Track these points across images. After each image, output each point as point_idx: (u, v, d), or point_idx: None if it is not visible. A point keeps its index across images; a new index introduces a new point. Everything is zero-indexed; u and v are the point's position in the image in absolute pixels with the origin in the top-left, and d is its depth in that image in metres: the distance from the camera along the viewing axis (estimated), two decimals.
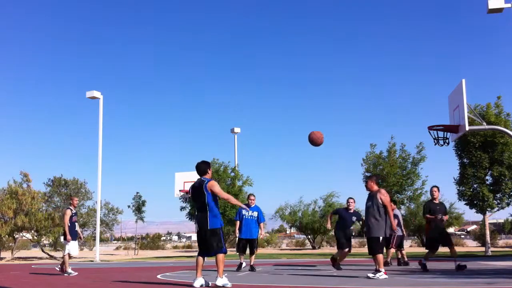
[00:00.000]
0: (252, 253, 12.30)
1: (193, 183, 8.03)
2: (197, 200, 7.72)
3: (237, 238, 12.55)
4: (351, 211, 11.95)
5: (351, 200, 12.03)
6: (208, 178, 7.84)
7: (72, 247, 12.52)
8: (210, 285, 7.61)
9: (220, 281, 7.50)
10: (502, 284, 7.67)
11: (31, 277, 12.20)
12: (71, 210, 12.49)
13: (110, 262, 23.69)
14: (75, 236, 12.59)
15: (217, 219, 7.62)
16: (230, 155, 65.90)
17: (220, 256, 7.56)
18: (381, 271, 8.91)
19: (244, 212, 12.16)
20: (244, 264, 12.43)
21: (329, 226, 12.33)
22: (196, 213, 7.77)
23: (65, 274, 12.21)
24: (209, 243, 7.56)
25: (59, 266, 12.91)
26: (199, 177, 7.90)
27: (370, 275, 9.01)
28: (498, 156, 21.73)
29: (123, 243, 63.79)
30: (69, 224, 12.36)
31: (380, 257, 9.04)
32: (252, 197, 12.40)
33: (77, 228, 12.68)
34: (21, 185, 28.19)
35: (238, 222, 12.22)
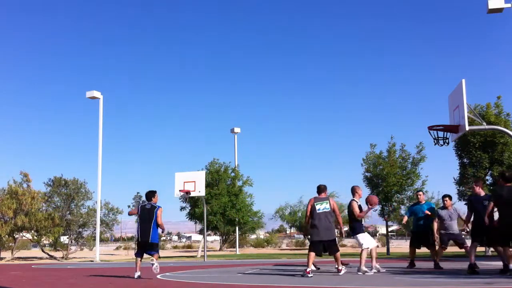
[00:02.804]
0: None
1: (145, 204, 10.73)
2: (147, 218, 10.46)
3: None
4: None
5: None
6: (156, 203, 10.71)
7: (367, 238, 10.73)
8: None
9: (155, 263, 10.27)
10: (502, 284, 7.67)
11: (31, 277, 12.20)
12: (356, 202, 10.85)
13: (110, 262, 23.70)
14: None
15: (156, 234, 10.52)
16: (230, 155, 65.93)
17: (156, 255, 10.48)
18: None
19: None
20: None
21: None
22: (141, 225, 10.48)
23: (359, 273, 10.28)
24: (148, 249, 10.54)
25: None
26: (147, 201, 10.78)
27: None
28: (498, 156, 21.74)
29: (123, 243, 63.82)
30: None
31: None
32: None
33: (364, 223, 11.16)
34: (21, 185, 28.18)
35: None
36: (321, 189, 10.28)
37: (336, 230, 10.47)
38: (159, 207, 10.58)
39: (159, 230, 10.64)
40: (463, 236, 12.30)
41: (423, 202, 12.27)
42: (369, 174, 26.49)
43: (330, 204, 10.05)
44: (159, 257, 10.69)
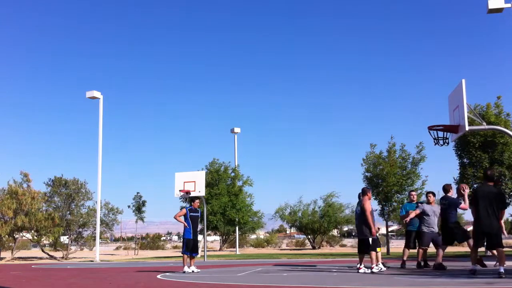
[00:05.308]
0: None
1: None
2: None
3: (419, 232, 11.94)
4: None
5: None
6: (193, 206, 12.31)
7: None
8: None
9: (187, 269, 12.05)
10: (502, 284, 7.68)
11: (31, 277, 12.20)
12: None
13: (110, 262, 23.69)
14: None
15: (186, 232, 12.02)
16: (230, 155, 65.85)
17: (185, 255, 12.17)
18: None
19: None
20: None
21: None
22: None
23: None
24: None
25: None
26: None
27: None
28: (498, 156, 21.71)
29: (123, 243, 63.75)
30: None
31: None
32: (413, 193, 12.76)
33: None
34: (21, 185, 28.16)
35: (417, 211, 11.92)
36: (362, 192, 11.14)
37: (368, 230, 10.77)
38: (182, 207, 12.72)
39: (190, 226, 11.92)
40: (439, 236, 12.13)
41: (415, 201, 12.42)
42: (369, 174, 26.46)
43: (361, 206, 10.91)
44: (187, 256, 12.10)
